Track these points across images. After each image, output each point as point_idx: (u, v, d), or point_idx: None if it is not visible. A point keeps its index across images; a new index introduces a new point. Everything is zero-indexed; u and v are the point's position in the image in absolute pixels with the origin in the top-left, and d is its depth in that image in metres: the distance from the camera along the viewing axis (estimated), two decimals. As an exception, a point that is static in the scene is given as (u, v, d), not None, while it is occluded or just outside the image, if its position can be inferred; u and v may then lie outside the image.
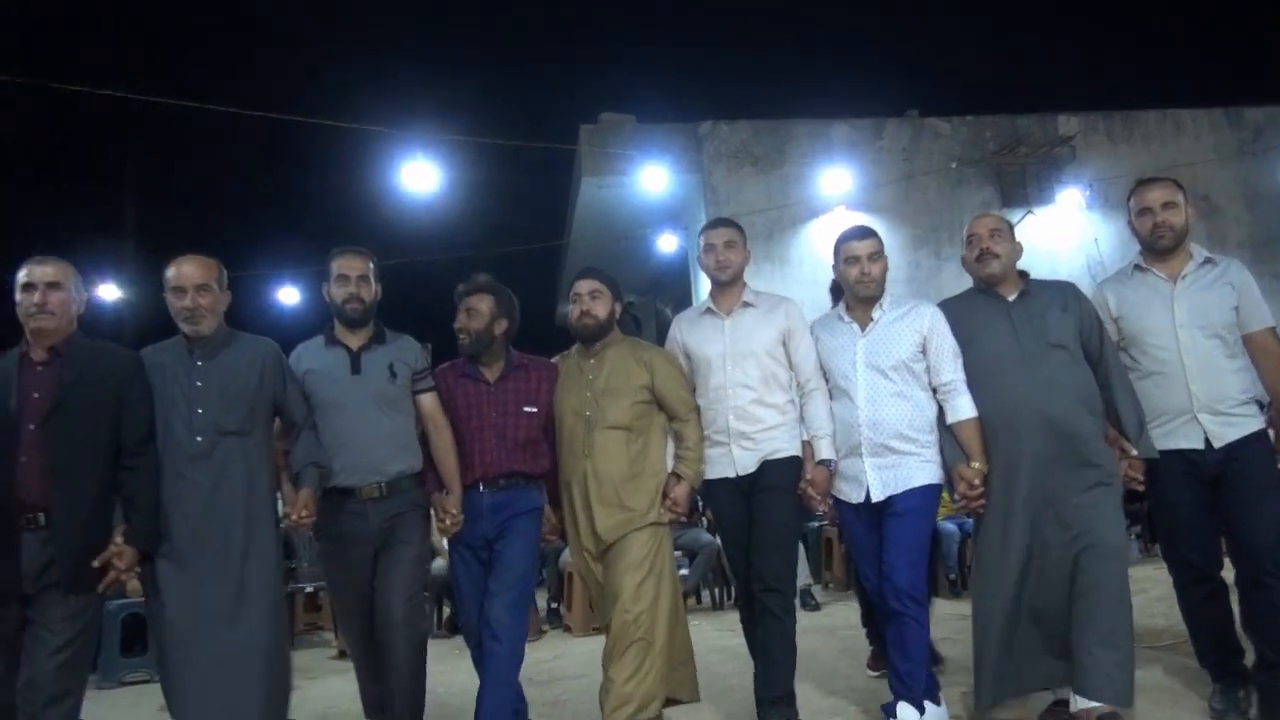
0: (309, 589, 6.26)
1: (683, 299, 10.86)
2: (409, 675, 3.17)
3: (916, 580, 3.07)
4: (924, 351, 3.18)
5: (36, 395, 2.76)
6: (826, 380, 3.30)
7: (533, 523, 3.36)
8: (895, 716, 3.02)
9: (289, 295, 9.99)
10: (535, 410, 3.36)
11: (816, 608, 6.17)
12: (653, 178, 9.65)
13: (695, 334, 3.44)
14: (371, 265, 3.30)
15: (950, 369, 3.16)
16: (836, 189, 9.79)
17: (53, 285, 2.84)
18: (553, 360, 3.55)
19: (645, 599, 3.20)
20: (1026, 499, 3.01)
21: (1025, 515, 3.01)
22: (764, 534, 3.25)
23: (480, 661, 3.27)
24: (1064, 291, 3.24)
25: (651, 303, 13.57)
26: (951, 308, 3.29)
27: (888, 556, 3.08)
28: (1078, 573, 2.92)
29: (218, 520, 2.90)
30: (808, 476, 3.24)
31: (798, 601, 6.15)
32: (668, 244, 11.28)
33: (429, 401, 3.31)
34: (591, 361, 3.39)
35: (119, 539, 2.78)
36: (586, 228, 11.10)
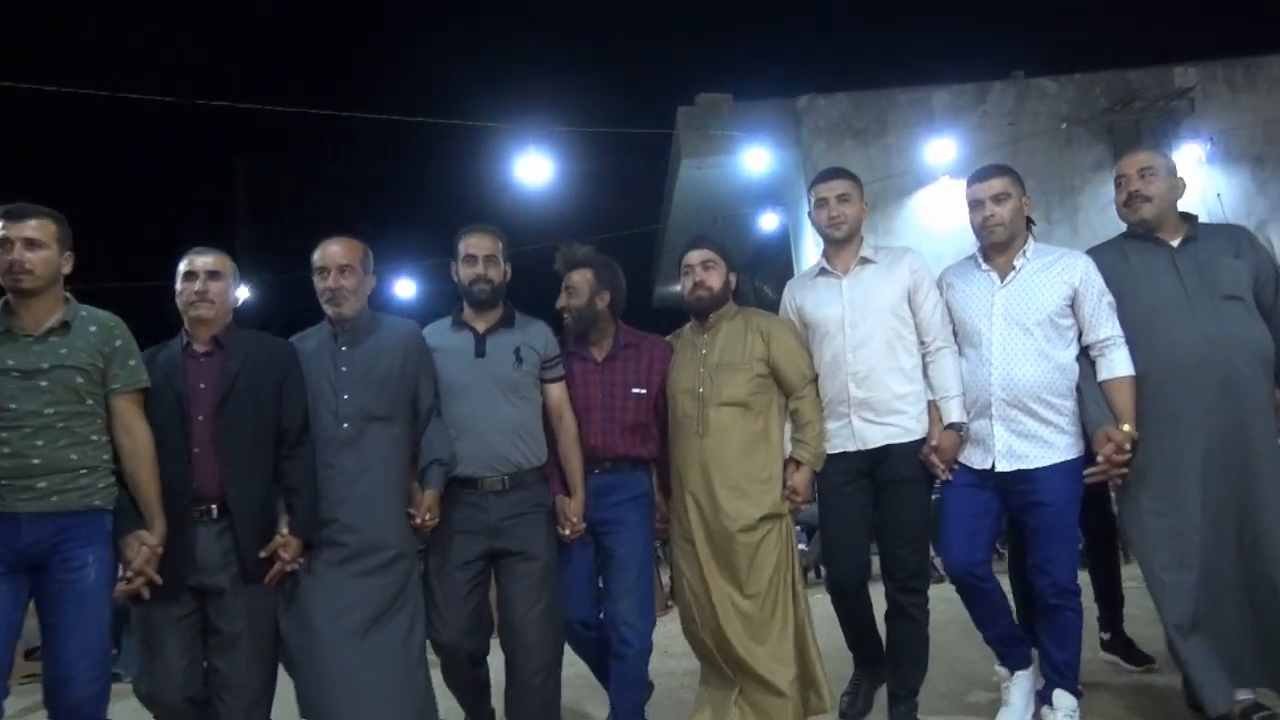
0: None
1: (784, 276, 10.82)
2: (539, 706, 3.05)
3: (1072, 572, 2.90)
4: (1072, 306, 2.90)
5: (203, 386, 2.81)
6: (955, 334, 3.05)
7: (642, 512, 3.23)
8: (1050, 704, 2.93)
9: (405, 289, 10.44)
10: (644, 392, 3.21)
11: (941, 579, 6.12)
12: (752, 157, 9.67)
13: (810, 296, 3.20)
14: (500, 244, 3.19)
15: (1108, 324, 2.86)
16: (940, 158, 9.61)
17: (212, 274, 2.88)
18: (667, 339, 3.37)
19: (769, 615, 3.04)
20: (1204, 467, 2.73)
21: (1205, 486, 2.72)
22: (898, 529, 3.06)
23: (582, 645, 3.23)
24: (1235, 236, 2.93)
25: (750, 282, 13.59)
26: (1102, 256, 2.97)
27: (1042, 550, 2.90)
28: None
29: (363, 507, 2.88)
30: (933, 442, 3.00)
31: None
32: (767, 222, 11.28)
33: (556, 392, 3.17)
34: (705, 336, 3.20)
35: (284, 530, 2.79)
36: (684, 210, 11.19)
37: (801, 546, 7.10)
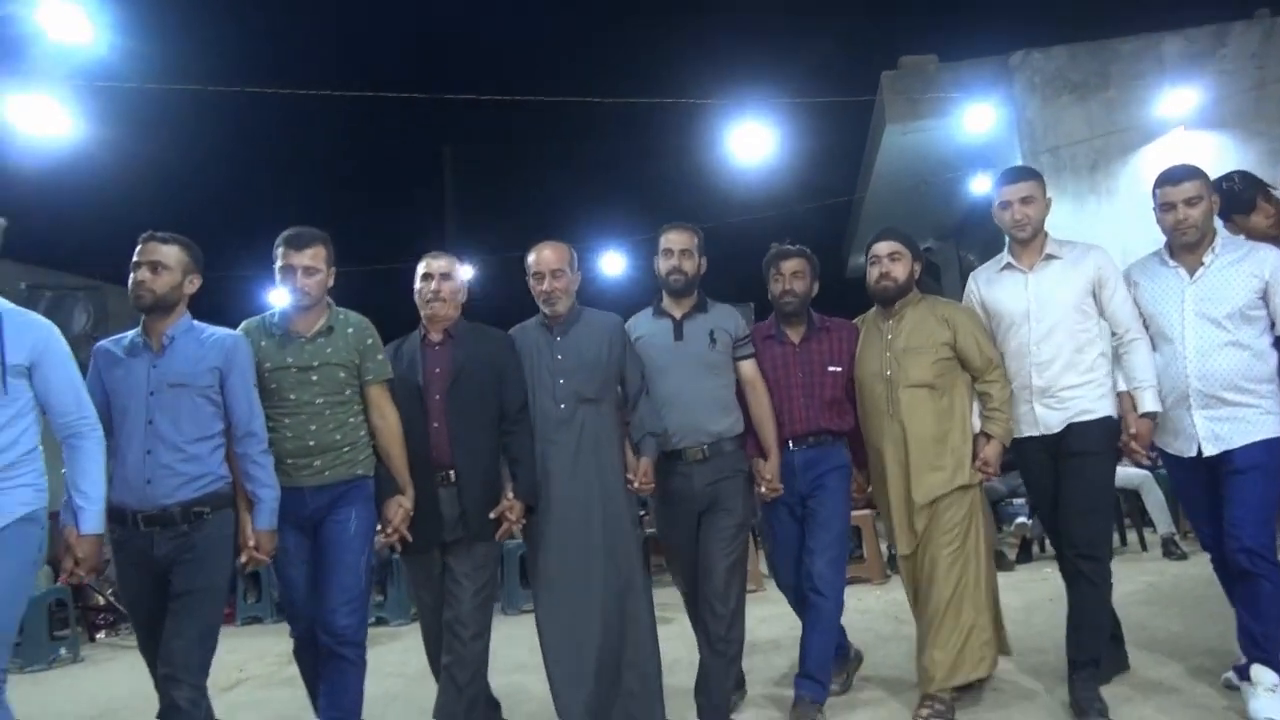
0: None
1: (990, 243, 10.41)
2: (728, 638, 3.39)
3: (1265, 538, 2.88)
4: (1264, 298, 2.94)
5: (438, 370, 3.31)
6: (1147, 327, 3.14)
7: (843, 480, 3.53)
8: (1249, 679, 2.88)
9: (613, 264, 10.82)
10: (840, 369, 3.51)
11: (1183, 556, 5.89)
12: (961, 119, 9.34)
13: (994, 291, 3.37)
14: (696, 240, 3.57)
15: None
16: (1172, 109, 8.94)
17: (445, 276, 3.38)
18: (854, 322, 3.66)
19: (953, 579, 3.25)
20: None
21: None
22: (1075, 500, 3.17)
23: (796, 602, 3.57)
24: None
25: (954, 249, 13.14)
26: None
27: (1233, 514, 2.91)
28: None
29: (580, 477, 3.32)
30: (1131, 430, 3.12)
31: (1160, 550, 5.95)
32: (976, 186, 10.87)
33: (749, 368, 3.53)
34: (890, 322, 3.44)
35: (509, 494, 3.26)
36: (886, 177, 10.94)
37: (1023, 519, 6.93)
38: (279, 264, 3.16)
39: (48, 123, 6.36)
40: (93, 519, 2.73)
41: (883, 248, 3.46)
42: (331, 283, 3.25)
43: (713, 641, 3.39)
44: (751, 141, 8.72)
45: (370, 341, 3.23)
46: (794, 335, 3.57)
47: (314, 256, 3.15)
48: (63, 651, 6.57)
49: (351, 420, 3.15)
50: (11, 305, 2.77)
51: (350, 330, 3.21)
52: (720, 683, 3.42)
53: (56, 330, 2.81)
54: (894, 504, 3.36)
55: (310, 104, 8.16)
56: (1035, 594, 5.17)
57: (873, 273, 3.48)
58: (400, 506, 3.17)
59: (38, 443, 2.73)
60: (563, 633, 3.28)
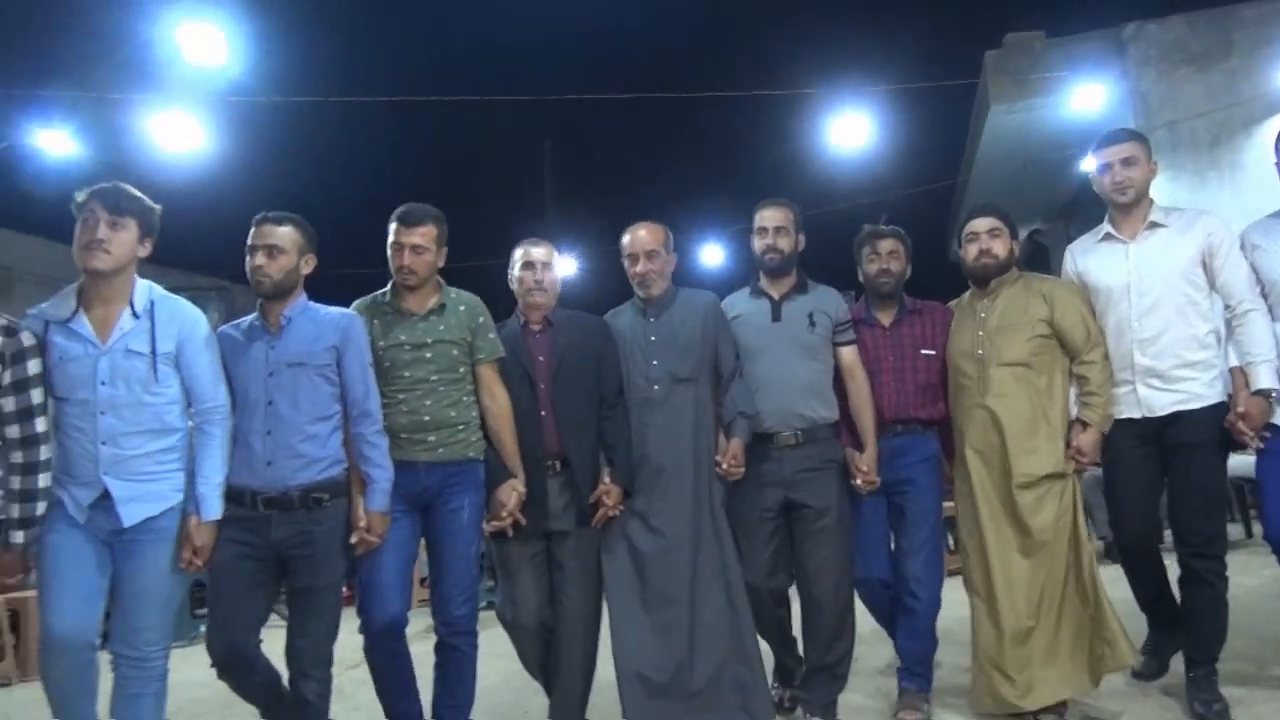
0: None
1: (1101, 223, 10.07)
2: (834, 635, 3.32)
3: None
4: None
5: (541, 359, 3.29)
6: (1265, 297, 2.94)
7: (934, 473, 3.38)
8: None
9: (712, 256, 10.90)
10: (933, 353, 3.36)
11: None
12: (1070, 96, 9.03)
13: (1092, 262, 3.20)
14: (791, 216, 3.44)
15: None
16: (1306, 77, 8.47)
17: (546, 265, 3.36)
18: (949, 305, 3.51)
19: (1057, 583, 3.06)
20: None
21: None
22: (1188, 496, 3.01)
23: (875, 600, 3.45)
24: None
25: (1063, 230, 12.69)
26: None
27: None
28: None
29: (675, 458, 3.28)
30: (1240, 409, 2.91)
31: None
32: (1084, 165, 10.49)
33: (849, 354, 3.39)
34: (985, 301, 3.29)
35: (606, 479, 3.24)
36: (990, 159, 10.66)
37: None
38: (390, 239, 3.15)
39: (182, 137, 6.84)
40: (214, 506, 2.79)
41: (981, 224, 3.30)
42: (442, 263, 3.23)
43: (819, 647, 3.34)
44: (850, 130, 8.66)
45: (482, 320, 3.22)
46: (885, 318, 3.45)
47: (424, 235, 3.13)
48: (202, 628, 7.04)
49: (465, 399, 3.15)
50: (165, 292, 2.87)
51: (463, 308, 3.20)
52: (828, 689, 3.35)
53: (203, 318, 2.90)
54: (976, 489, 3.19)
55: (415, 109, 8.47)
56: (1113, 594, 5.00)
57: (970, 250, 3.31)
58: (514, 490, 3.14)
59: (188, 428, 2.82)
60: (649, 620, 3.25)
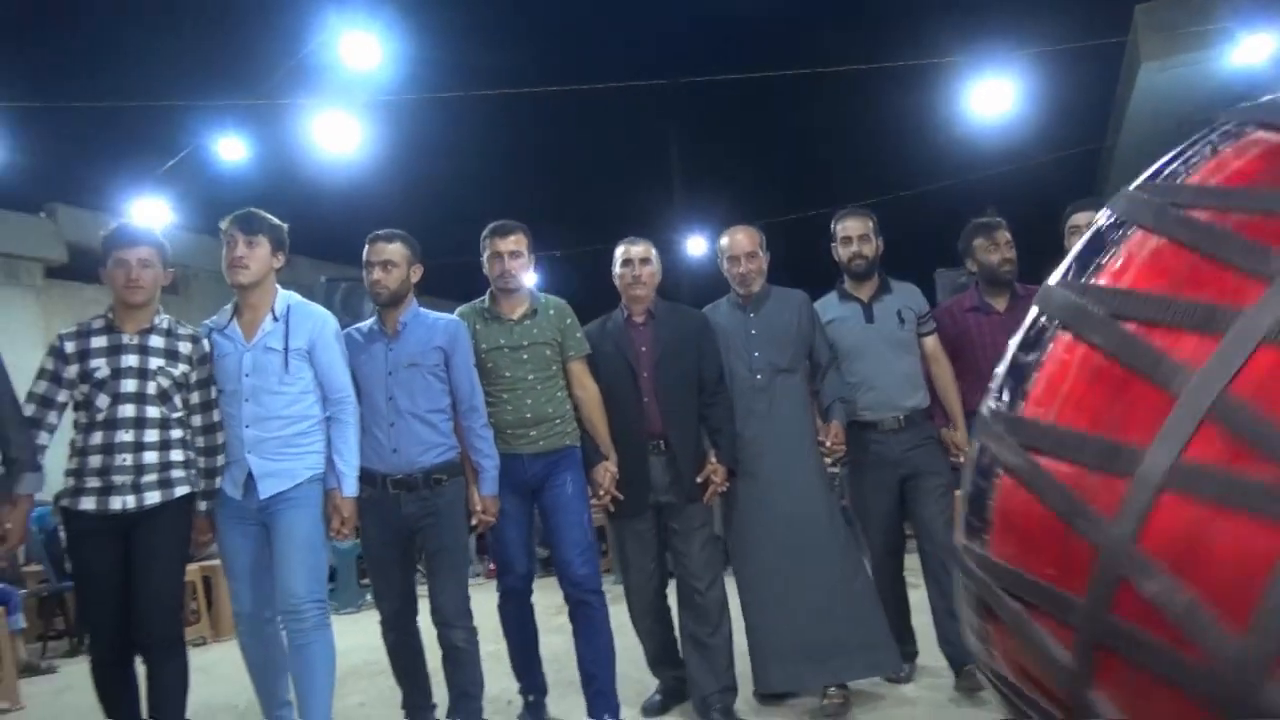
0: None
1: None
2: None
3: None
4: None
5: (644, 349, 3.59)
6: None
7: None
8: None
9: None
10: None
11: None
12: (1233, 48, 8.49)
13: None
14: (872, 224, 3.75)
15: None
16: None
17: (644, 260, 3.65)
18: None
19: None
20: None
21: None
22: None
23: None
24: None
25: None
26: None
27: None
28: None
29: (779, 441, 3.53)
30: None
31: None
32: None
33: (931, 343, 3.71)
34: None
35: (712, 459, 3.50)
36: (1140, 120, 10.12)
37: None
38: (486, 253, 3.50)
39: (339, 137, 7.31)
40: (352, 484, 3.18)
41: (1082, 218, 3.45)
42: (532, 266, 3.61)
43: (944, 591, 3.55)
44: (988, 97, 8.40)
45: (569, 321, 3.54)
46: (1000, 304, 3.66)
47: (516, 242, 3.47)
48: (368, 597, 7.56)
49: (559, 394, 3.47)
50: (299, 298, 3.31)
51: (552, 311, 3.53)
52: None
53: (332, 320, 3.31)
54: None
55: (545, 100, 8.73)
56: None
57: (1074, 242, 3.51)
58: (607, 471, 3.47)
59: (321, 416, 3.20)
60: (771, 598, 3.47)
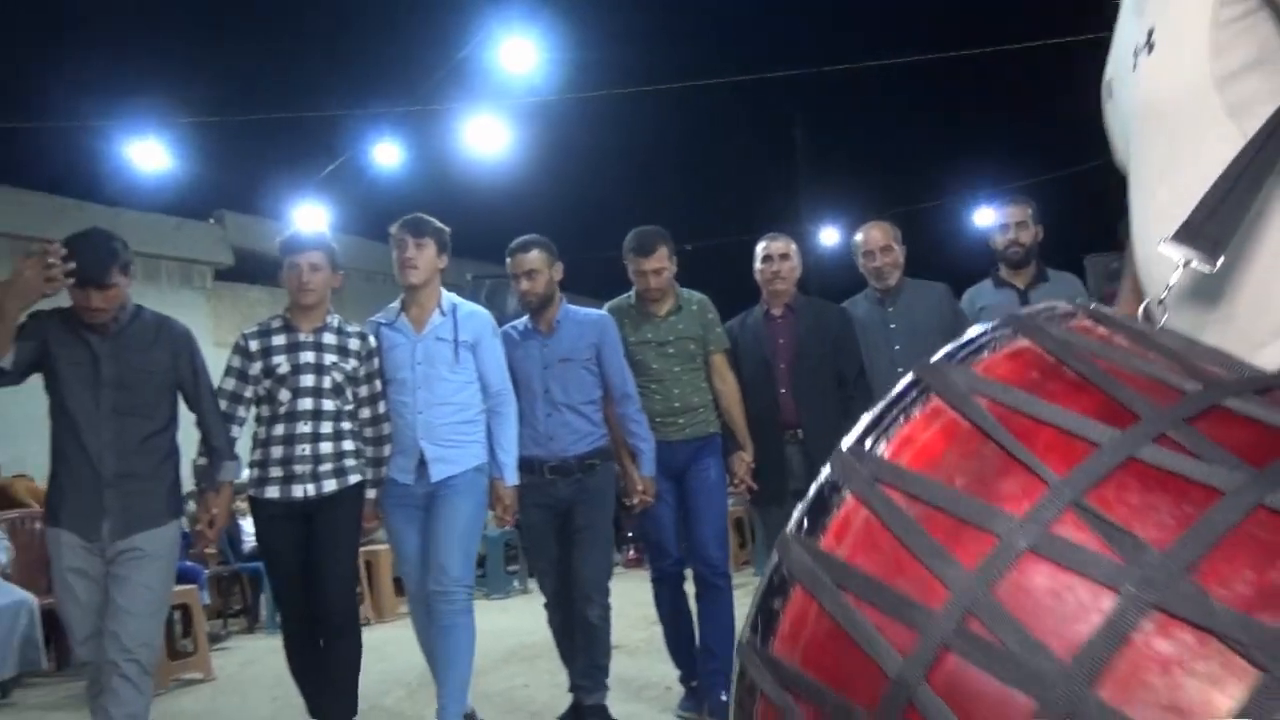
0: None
1: None
2: None
3: None
4: None
5: (782, 341, 3.72)
6: None
7: None
8: None
9: (985, 218, 10.43)
10: None
11: None
12: None
13: None
14: (1030, 211, 3.78)
15: None
16: None
17: (784, 256, 3.77)
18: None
19: None
20: None
21: None
22: None
23: None
24: None
25: None
26: None
27: None
28: None
29: None
30: None
31: None
32: None
33: None
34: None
35: None
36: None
37: None
38: (631, 269, 3.66)
39: (489, 140, 7.57)
40: (513, 472, 3.39)
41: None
42: (674, 269, 3.71)
43: None
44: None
45: (711, 316, 3.70)
46: None
47: (659, 259, 3.62)
48: (515, 583, 7.80)
49: (703, 384, 3.65)
50: (460, 299, 3.54)
51: (695, 307, 3.70)
52: None
53: (492, 319, 3.54)
54: None
55: (673, 97, 8.78)
56: None
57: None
58: (742, 460, 3.62)
59: (482, 408, 3.41)
60: None
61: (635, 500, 3.53)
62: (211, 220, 10.17)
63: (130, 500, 2.89)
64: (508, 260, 3.59)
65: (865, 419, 0.64)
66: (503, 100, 7.28)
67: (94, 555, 2.87)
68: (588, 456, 3.49)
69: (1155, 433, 0.53)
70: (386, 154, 8.51)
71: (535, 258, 3.52)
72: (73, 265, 2.72)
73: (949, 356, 0.64)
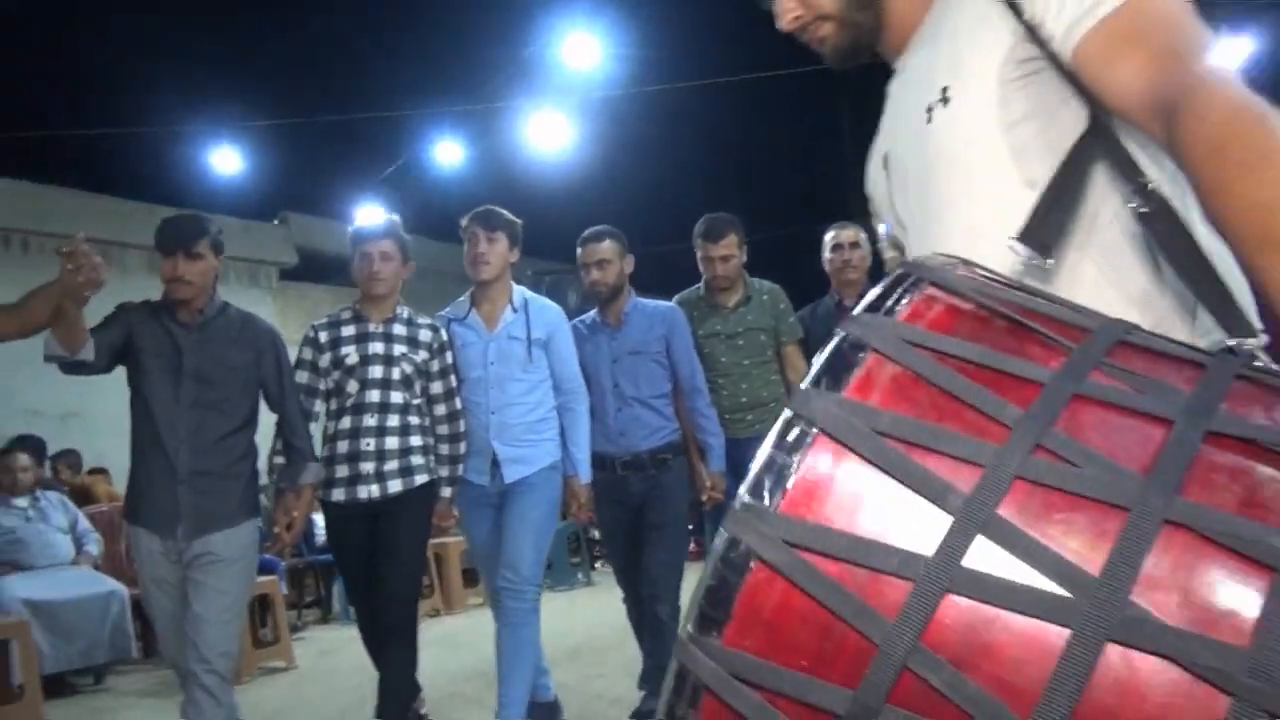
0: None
1: None
2: None
3: None
4: None
5: None
6: None
7: None
8: None
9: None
10: None
11: None
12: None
13: None
14: None
15: None
16: None
17: (854, 245, 3.73)
18: None
19: None
20: None
21: None
22: None
23: None
24: None
25: None
26: None
27: None
28: None
29: None
30: None
31: None
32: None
33: None
34: None
35: None
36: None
37: None
38: (700, 255, 3.64)
39: (551, 137, 7.62)
40: (587, 469, 3.34)
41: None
42: (744, 258, 3.66)
43: None
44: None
45: (783, 306, 3.64)
46: None
47: (727, 245, 3.59)
48: (579, 576, 7.87)
49: (773, 379, 3.58)
50: (531, 293, 3.46)
51: (765, 297, 3.64)
52: None
53: (564, 315, 3.47)
54: None
55: (722, 91, 8.74)
56: None
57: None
58: None
59: (553, 404, 3.35)
60: None
61: (705, 497, 3.48)
62: (276, 221, 10.38)
63: (203, 499, 2.80)
64: (579, 250, 3.52)
65: (867, 297, 0.68)
66: (565, 96, 7.32)
67: (171, 561, 2.80)
68: (660, 451, 3.44)
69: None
70: (448, 153, 8.63)
71: (608, 248, 3.49)
72: (99, 259, 2.47)
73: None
